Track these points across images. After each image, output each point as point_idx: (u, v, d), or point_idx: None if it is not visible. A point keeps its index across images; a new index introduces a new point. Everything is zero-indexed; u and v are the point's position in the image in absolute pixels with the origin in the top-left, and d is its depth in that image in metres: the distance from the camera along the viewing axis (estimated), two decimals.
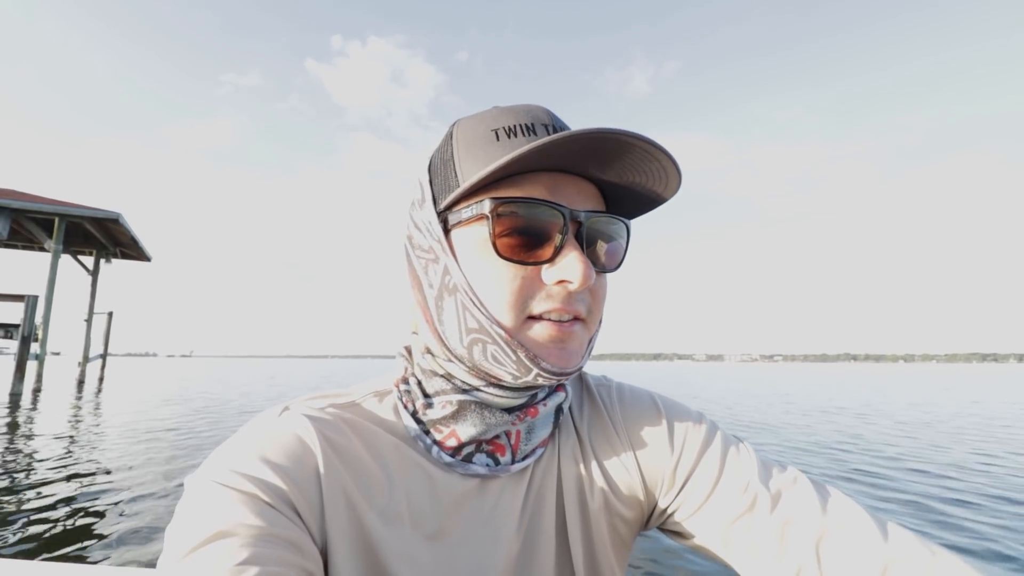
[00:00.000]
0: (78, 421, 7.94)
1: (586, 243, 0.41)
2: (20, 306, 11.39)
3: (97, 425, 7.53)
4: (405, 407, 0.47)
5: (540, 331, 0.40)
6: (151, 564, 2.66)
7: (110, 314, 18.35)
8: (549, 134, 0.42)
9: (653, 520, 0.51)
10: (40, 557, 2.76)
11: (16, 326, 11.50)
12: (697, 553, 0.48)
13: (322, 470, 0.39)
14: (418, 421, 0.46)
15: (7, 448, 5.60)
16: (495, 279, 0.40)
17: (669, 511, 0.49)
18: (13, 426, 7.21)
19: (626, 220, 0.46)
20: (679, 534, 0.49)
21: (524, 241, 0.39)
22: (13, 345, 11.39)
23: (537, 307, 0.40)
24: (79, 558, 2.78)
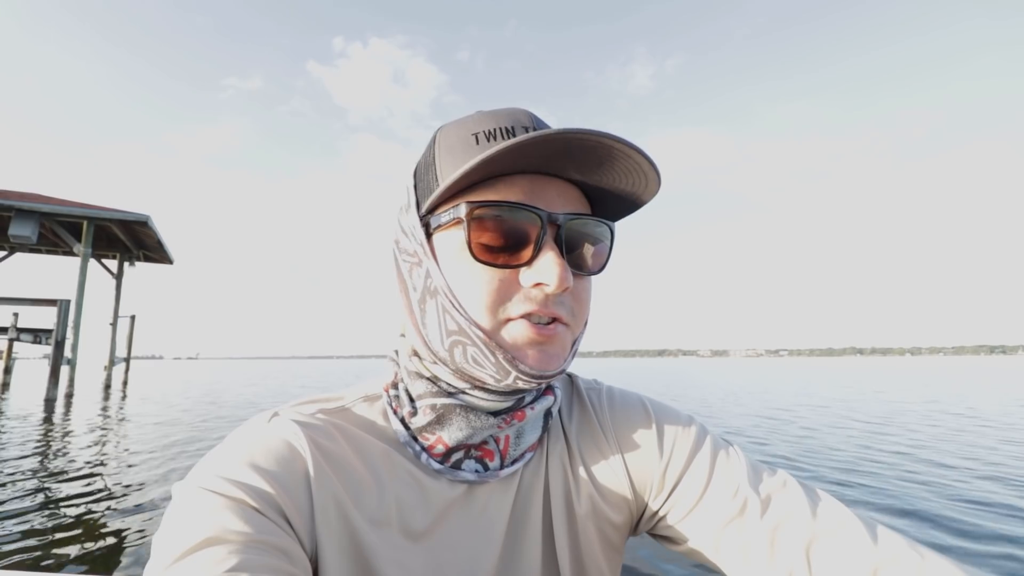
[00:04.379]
0: (114, 427, 8.00)
1: (567, 246, 0.41)
2: (37, 310, 11.42)
3: (130, 432, 7.58)
4: (395, 412, 0.47)
5: (517, 333, 0.41)
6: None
7: (133, 317, 18.70)
8: None
9: (643, 524, 0.51)
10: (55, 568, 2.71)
11: (47, 331, 11.66)
12: (688, 558, 0.48)
13: (312, 476, 0.39)
14: (407, 427, 0.46)
15: (50, 456, 5.64)
16: (473, 281, 0.40)
17: (659, 515, 0.48)
18: (53, 433, 7.24)
19: (610, 222, 0.45)
20: (669, 539, 0.49)
21: (501, 244, 0.40)
22: (28, 349, 11.45)
23: (515, 309, 0.40)
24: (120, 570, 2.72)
